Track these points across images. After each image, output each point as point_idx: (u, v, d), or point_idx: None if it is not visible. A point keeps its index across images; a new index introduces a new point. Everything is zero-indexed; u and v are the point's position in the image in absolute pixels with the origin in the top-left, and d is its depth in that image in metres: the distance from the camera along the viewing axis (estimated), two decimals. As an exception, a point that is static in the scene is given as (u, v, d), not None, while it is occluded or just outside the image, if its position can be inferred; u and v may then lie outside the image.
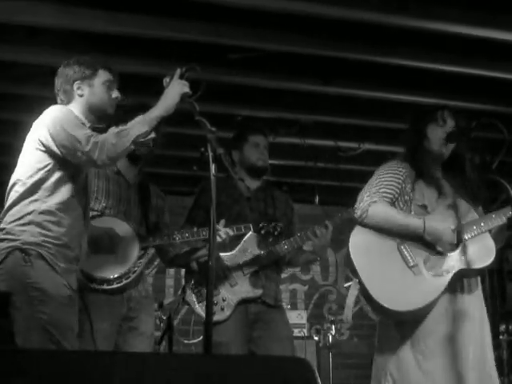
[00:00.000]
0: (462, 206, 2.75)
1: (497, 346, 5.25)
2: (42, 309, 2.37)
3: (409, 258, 2.66)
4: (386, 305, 2.56)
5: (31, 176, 2.52)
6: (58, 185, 2.53)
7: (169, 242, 3.16)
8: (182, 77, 2.42)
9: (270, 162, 3.60)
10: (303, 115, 5.25)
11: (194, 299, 3.29)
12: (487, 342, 2.67)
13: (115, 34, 3.85)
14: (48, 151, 2.51)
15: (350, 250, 2.71)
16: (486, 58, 4.28)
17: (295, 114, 5.24)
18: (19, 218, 2.47)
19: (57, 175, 2.53)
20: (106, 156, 2.44)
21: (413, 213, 2.73)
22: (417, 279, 2.61)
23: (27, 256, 2.42)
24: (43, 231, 2.47)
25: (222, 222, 3.15)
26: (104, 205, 3.08)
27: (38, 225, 2.47)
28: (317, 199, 6.48)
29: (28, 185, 2.51)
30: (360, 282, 2.63)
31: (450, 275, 2.60)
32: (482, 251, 2.62)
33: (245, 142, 3.50)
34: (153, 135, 2.54)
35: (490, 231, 2.70)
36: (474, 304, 2.69)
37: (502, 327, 5.35)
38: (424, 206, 2.73)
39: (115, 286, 2.95)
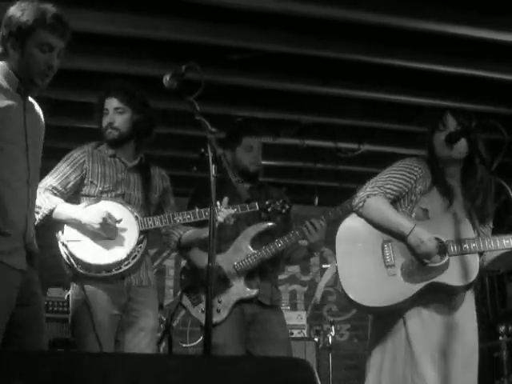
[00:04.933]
0: (461, 219, 2.67)
1: (496, 347, 5.25)
2: None
3: (388, 257, 2.64)
4: (350, 295, 2.62)
5: None
6: None
7: (169, 224, 3.05)
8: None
9: (269, 162, 3.58)
10: (303, 116, 5.25)
11: (190, 303, 3.28)
12: (473, 361, 2.62)
13: (115, 34, 3.85)
14: None
15: (337, 234, 2.75)
16: (487, 59, 4.28)
17: (295, 115, 5.24)
18: None
19: None
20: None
21: (414, 214, 2.71)
22: (388, 279, 2.60)
23: None
24: None
25: (226, 199, 3.07)
26: (100, 189, 3.00)
27: None
28: (316, 200, 6.47)
29: None
30: (336, 267, 2.70)
31: (422, 285, 2.55)
32: (463, 270, 2.54)
33: (238, 144, 3.44)
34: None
35: (480, 254, 2.61)
36: (467, 320, 2.65)
37: (502, 328, 5.33)
38: (426, 210, 2.70)
39: (114, 272, 2.88)
